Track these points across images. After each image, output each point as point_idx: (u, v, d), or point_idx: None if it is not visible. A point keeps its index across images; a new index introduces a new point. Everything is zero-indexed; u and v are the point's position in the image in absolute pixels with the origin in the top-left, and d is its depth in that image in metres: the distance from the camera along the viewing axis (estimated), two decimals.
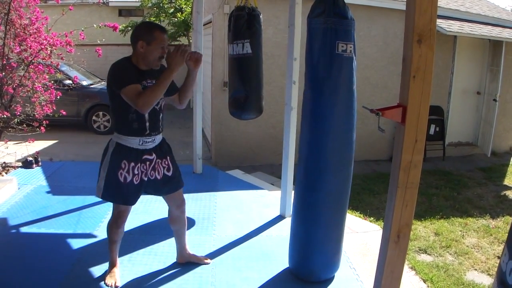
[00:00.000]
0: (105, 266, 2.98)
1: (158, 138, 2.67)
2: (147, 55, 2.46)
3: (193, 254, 3.15)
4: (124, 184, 2.56)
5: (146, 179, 2.64)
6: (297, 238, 2.99)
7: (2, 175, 4.85)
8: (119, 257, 3.04)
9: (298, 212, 2.96)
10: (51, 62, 5.10)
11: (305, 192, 2.90)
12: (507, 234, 3.95)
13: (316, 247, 2.89)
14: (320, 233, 2.87)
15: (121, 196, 2.61)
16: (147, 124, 2.55)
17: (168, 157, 2.74)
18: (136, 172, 2.58)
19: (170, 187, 2.77)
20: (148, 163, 2.63)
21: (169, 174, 2.73)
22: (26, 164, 5.14)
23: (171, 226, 2.99)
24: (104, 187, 2.58)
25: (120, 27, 8.91)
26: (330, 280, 3.00)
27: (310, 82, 2.78)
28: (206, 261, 3.15)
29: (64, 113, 5.41)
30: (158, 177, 2.69)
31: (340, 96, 2.70)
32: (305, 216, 2.91)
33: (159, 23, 12.27)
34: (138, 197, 2.71)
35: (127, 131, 2.53)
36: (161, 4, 12.42)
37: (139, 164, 2.59)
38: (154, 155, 2.65)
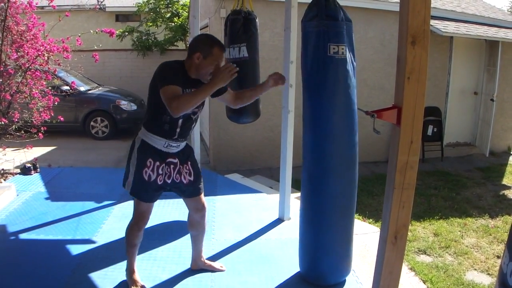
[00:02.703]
0: (105, 271, 2.98)
1: (183, 144, 2.70)
2: (200, 67, 2.48)
3: (209, 263, 3.12)
4: (147, 182, 2.56)
5: (169, 181, 2.65)
6: (304, 242, 2.98)
7: (1, 182, 4.84)
8: (118, 262, 3.04)
9: (304, 215, 2.95)
10: (49, 68, 5.11)
11: (310, 195, 2.90)
12: (506, 234, 3.97)
13: (323, 250, 2.88)
14: (326, 236, 2.85)
15: (146, 193, 2.62)
16: (178, 130, 2.56)
17: (189, 162, 2.74)
18: (160, 172, 2.58)
19: (191, 191, 2.78)
20: (172, 166, 2.64)
21: (191, 178, 2.73)
22: (25, 170, 5.14)
23: (190, 231, 2.97)
24: (133, 182, 2.58)
25: (117, 32, 8.94)
26: (340, 284, 2.99)
27: (306, 86, 2.79)
28: (221, 267, 3.14)
29: (62, 119, 5.41)
30: (184, 181, 2.70)
31: (337, 99, 2.70)
32: (311, 220, 2.90)
33: (156, 28, 12.33)
34: (158, 197, 2.72)
35: (157, 131, 2.53)
36: (158, 9, 12.44)
37: (163, 165, 2.60)
38: (177, 159, 2.66)
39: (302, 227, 3.00)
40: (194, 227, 2.92)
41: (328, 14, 2.58)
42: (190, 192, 2.77)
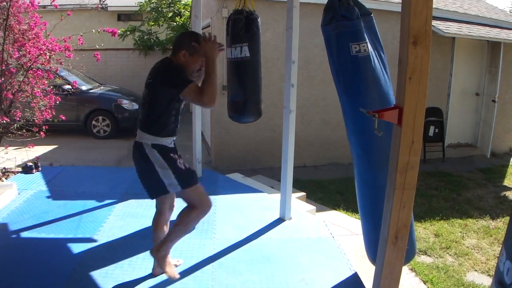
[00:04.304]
0: (106, 269, 2.98)
1: None
2: (188, 64, 2.53)
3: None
4: (188, 169, 2.60)
5: None
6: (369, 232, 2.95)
7: (2, 181, 4.85)
8: (118, 261, 3.05)
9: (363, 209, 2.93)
10: (50, 67, 5.12)
11: (363, 188, 2.87)
12: None
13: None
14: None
15: (195, 176, 2.64)
16: (178, 124, 2.64)
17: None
18: (183, 161, 2.63)
19: None
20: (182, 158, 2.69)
21: None
22: (26, 169, 5.15)
23: (154, 232, 2.91)
24: (177, 179, 2.55)
25: (119, 31, 8.93)
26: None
27: (338, 89, 2.75)
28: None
29: (63, 118, 5.42)
30: None
31: (369, 97, 2.63)
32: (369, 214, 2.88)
33: (158, 27, 12.34)
34: None
35: (165, 133, 2.57)
36: (160, 9, 12.44)
37: (180, 158, 2.65)
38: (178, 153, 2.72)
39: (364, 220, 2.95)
40: (161, 227, 2.89)
41: (343, 14, 2.56)
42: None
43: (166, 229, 2.90)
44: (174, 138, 2.67)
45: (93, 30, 5.17)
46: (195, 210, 2.63)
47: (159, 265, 2.76)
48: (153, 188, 2.64)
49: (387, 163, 2.68)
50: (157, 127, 2.56)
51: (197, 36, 2.65)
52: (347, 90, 2.70)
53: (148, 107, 2.56)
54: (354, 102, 2.68)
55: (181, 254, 3.31)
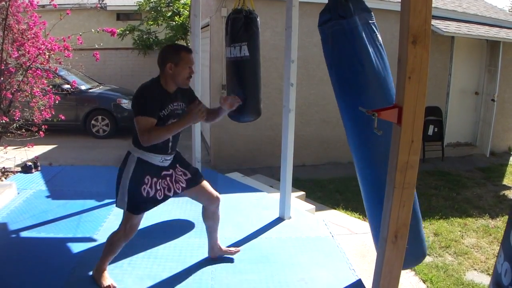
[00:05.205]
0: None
1: (173, 155, 2.77)
2: (176, 75, 2.55)
3: (226, 249, 3.25)
4: (147, 199, 2.63)
5: (171, 194, 2.74)
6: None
7: (2, 180, 4.85)
8: (118, 260, 3.05)
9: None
10: (49, 66, 5.12)
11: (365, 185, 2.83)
12: None
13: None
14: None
15: (143, 208, 2.68)
16: (170, 144, 2.66)
17: (177, 164, 2.81)
18: (158, 187, 2.67)
19: (196, 182, 2.86)
20: (168, 178, 2.72)
21: (189, 175, 2.84)
22: (26, 169, 5.14)
23: (206, 222, 3.05)
24: (129, 200, 2.62)
25: (118, 31, 8.93)
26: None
27: (335, 89, 2.76)
28: (236, 250, 3.29)
29: (63, 117, 5.42)
30: (184, 185, 2.79)
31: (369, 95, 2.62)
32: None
33: (157, 26, 12.34)
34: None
35: (151, 148, 2.57)
36: (159, 8, 12.44)
37: (160, 180, 2.67)
38: (170, 170, 2.75)
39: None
40: (210, 218, 3.00)
41: (341, 14, 2.55)
42: (195, 184, 2.85)
43: (215, 219, 3.02)
44: (168, 157, 2.69)
45: (92, 30, 5.17)
46: (118, 233, 2.74)
47: (96, 282, 2.81)
48: (116, 194, 2.70)
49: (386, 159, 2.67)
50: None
51: (176, 47, 2.73)
52: (346, 92, 2.69)
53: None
54: (351, 100, 2.66)
55: (181, 253, 3.32)
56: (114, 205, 3.95)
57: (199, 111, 2.45)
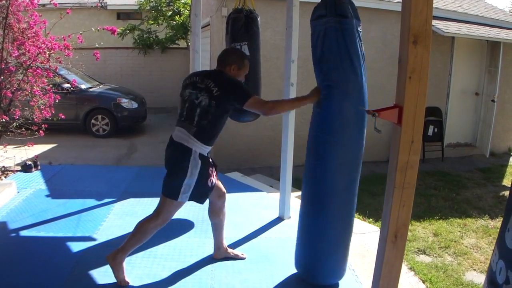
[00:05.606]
0: (105, 268, 2.98)
1: None
2: (235, 76, 2.80)
3: (231, 251, 3.27)
4: (212, 187, 2.80)
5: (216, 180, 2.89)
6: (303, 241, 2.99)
7: (1, 179, 4.85)
8: None
9: (304, 214, 2.96)
10: (50, 65, 5.12)
11: (310, 194, 2.89)
12: None
13: (323, 249, 2.88)
14: (328, 234, 2.85)
15: (207, 196, 2.84)
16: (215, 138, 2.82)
17: None
18: (215, 175, 2.85)
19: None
20: (214, 167, 2.86)
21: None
22: (25, 168, 5.14)
23: (212, 220, 3.09)
24: (193, 192, 2.70)
25: (119, 30, 8.93)
26: (339, 284, 3.01)
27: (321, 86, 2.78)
28: (242, 255, 3.28)
29: (63, 116, 5.42)
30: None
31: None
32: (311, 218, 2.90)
33: (157, 26, 12.34)
34: None
35: (212, 142, 2.76)
36: (159, 7, 12.44)
37: (215, 168, 2.86)
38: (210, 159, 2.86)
39: (301, 226, 3.00)
40: (216, 214, 3.05)
41: (338, 13, 2.58)
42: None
43: (221, 216, 3.07)
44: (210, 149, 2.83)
45: (93, 29, 5.17)
46: (153, 219, 2.76)
47: (112, 271, 2.80)
48: (172, 189, 2.71)
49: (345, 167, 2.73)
50: (211, 136, 2.73)
51: (243, 54, 3.10)
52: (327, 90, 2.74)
53: (211, 119, 2.67)
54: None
55: (181, 253, 3.32)
56: (114, 204, 3.95)
57: (320, 91, 2.70)
